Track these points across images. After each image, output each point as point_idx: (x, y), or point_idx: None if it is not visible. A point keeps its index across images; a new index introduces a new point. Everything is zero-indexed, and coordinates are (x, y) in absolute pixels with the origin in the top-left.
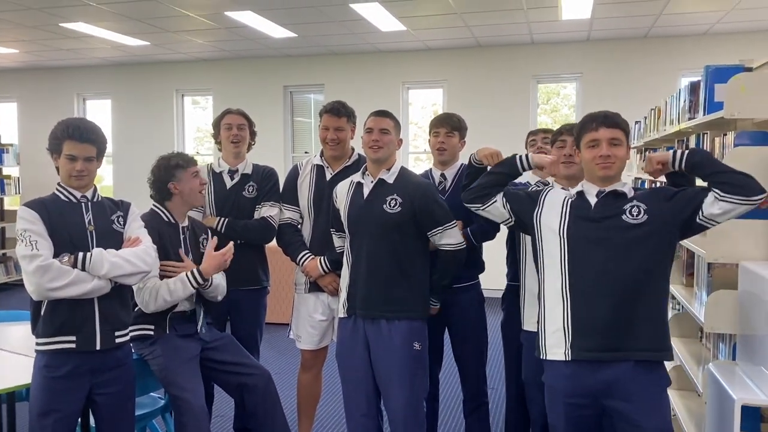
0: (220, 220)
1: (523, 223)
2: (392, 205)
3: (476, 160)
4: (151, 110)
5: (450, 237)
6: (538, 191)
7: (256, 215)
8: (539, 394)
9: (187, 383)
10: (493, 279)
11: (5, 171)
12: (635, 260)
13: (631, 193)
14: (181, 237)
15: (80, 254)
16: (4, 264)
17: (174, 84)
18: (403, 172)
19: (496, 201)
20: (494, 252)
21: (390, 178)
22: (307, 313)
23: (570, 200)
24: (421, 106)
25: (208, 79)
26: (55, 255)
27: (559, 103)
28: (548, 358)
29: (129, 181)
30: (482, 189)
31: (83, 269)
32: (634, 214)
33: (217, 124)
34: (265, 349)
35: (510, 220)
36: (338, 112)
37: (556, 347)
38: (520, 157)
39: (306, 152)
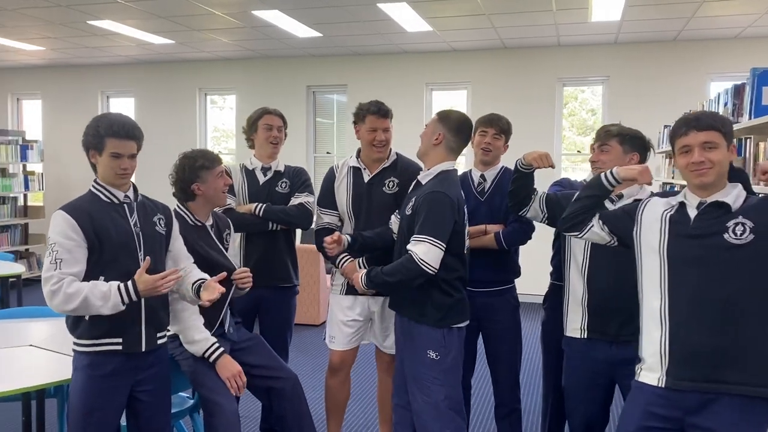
0: (257, 205)
1: (625, 243)
2: (407, 206)
3: (524, 165)
4: (173, 109)
5: (421, 248)
6: (635, 206)
7: (292, 203)
8: (581, 404)
9: (218, 384)
10: (530, 284)
11: (29, 167)
12: (737, 283)
13: (738, 203)
14: (209, 236)
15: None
16: (27, 260)
17: (197, 83)
18: (439, 176)
19: (593, 225)
20: (531, 257)
21: (424, 179)
22: (342, 313)
23: (668, 214)
24: (439, 108)
25: (231, 78)
26: (106, 260)
27: (577, 108)
28: (642, 380)
29: (150, 180)
30: (575, 216)
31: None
32: (738, 233)
33: (254, 123)
34: (290, 349)
35: (612, 241)
36: (386, 113)
37: (650, 371)
38: (605, 174)
39: (328, 153)
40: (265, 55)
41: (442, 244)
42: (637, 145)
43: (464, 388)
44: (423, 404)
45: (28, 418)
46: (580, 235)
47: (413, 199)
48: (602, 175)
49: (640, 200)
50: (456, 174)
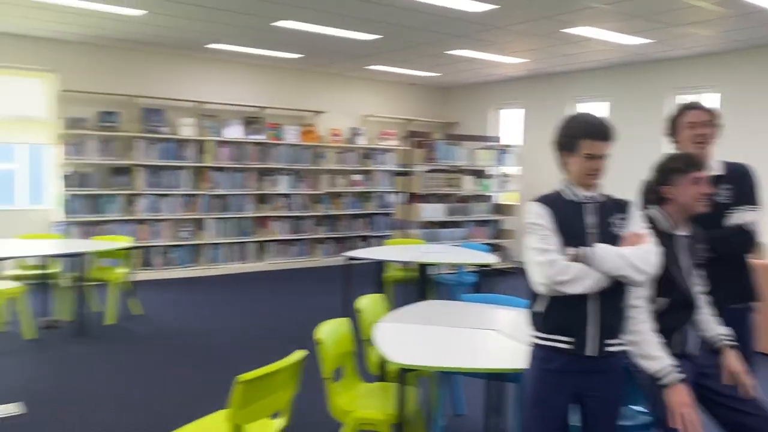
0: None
1: None
2: None
3: None
4: (644, 112)
5: None
6: None
7: (730, 221)
8: None
9: None
10: None
11: (505, 170)
12: None
13: None
14: (677, 247)
15: (584, 249)
16: (498, 252)
17: (670, 82)
18: None
19: None
20: None
21: None
22: None
23: None
24: None
25: (709, 75)
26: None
27: None
28: None
29: (614, 184)
30: None
31: (586, 263)
32: None
33: (673, 123)
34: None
35: None
36: None
37: None
38: None
39: None
40: (752, 45)
41: None
42: None
43: None
44: None
45: (490, 396)
46: None
47: None
48: None
49: None
50: None
